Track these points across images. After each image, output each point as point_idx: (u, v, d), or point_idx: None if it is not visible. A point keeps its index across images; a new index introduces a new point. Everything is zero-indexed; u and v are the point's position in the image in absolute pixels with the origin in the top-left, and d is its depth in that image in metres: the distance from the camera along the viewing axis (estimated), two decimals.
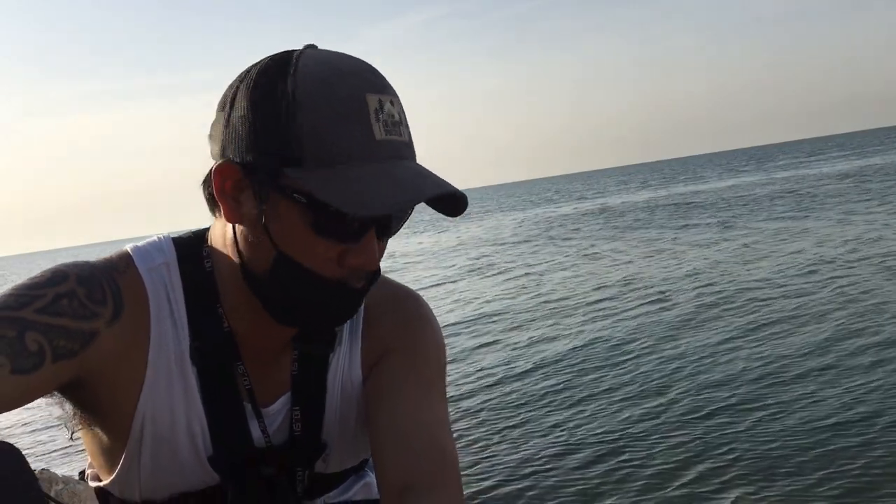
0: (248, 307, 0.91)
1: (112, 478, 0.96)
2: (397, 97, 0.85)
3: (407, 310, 1.03)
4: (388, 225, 0.86)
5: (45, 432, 6.23)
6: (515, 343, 7.07)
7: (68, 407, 0.93)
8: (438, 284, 12.47)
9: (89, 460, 1.04)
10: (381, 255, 0.89)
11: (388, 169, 0.80)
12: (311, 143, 0.79)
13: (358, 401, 1.01)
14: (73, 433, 0.97)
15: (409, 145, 0.85)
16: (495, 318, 8.53)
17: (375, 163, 0.80)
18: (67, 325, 0.82)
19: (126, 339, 0.88)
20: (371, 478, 1.12)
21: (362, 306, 1.00)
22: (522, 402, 5.17)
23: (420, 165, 0.85)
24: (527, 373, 5.94)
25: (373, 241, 0.84)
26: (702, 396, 4.72)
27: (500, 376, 5.91)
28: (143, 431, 0.91)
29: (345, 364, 1.00)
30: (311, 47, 0.87)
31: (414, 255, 19.06)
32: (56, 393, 0.89)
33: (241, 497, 0.95)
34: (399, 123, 0.83)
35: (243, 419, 0.95)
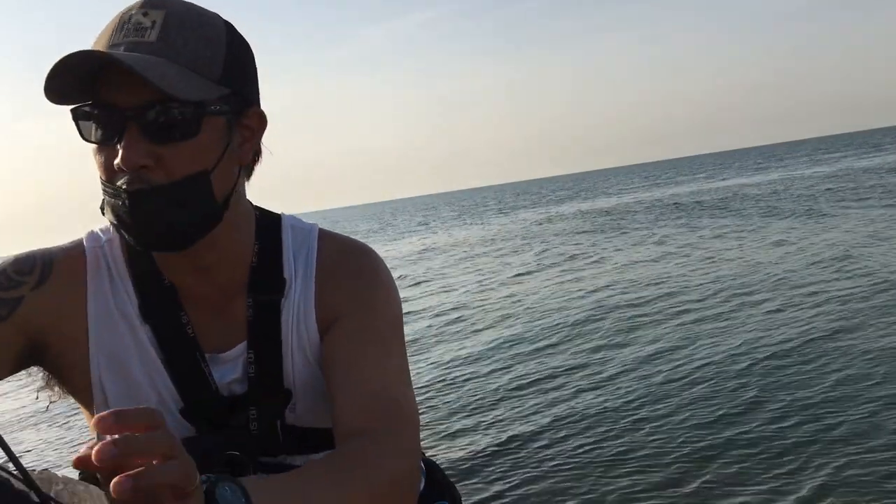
0: (175, 259, 0.97)
1: None
2: (165, 10, 0.88)
3: (360, 265, 1.06)
4: (145, 120, 0.85)
5: (56, 442, 6.14)
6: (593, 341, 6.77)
7: (46, 378, 1.01)
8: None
9: None
10: (193, 162, 0.88)
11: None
12: None
13: (318, 356, 1.03)
14: (49, 403, 1.06)
15: (149, 45, 0.86)
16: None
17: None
18: None
19: (57, 298, 0.97)
20: None
21: (314, 256, 1.05)
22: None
23: (153, 58, 0.84)
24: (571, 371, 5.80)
25: (131, 139, 0.85)
26: (775, 400, 4.42)
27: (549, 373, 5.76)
28: (104, 391, 0.98)
29: (299, 310, 1.03)
30: None
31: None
32: (40, 369, 0.99)
33: (191, 442, 0.96)
34: (146, 28, 0.86)
35: (198, 367, 1.00)
